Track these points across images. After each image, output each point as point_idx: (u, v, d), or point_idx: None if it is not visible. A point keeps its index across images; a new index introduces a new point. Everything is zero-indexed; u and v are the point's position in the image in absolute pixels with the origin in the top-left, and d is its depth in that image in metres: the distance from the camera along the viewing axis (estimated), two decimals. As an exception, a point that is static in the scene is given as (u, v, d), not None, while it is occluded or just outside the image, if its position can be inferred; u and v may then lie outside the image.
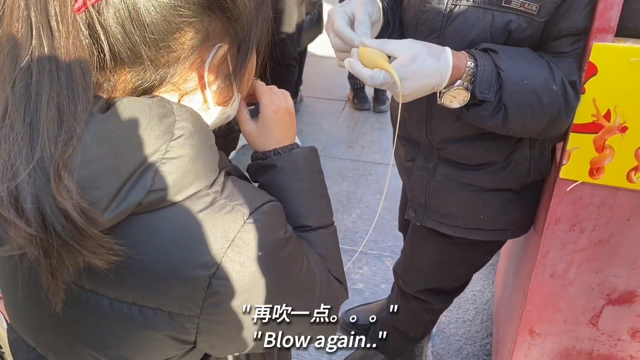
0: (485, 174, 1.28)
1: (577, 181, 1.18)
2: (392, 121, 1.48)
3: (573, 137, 1.12)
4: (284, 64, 3.19)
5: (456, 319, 2.21)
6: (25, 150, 0.48)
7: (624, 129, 1.09)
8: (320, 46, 3.49)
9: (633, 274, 1.26)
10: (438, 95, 1.04)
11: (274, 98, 0.80)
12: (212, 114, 0.68)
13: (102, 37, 0.53)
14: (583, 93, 1.07)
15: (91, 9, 0.51)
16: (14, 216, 0.48)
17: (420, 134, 1.29)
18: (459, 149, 1.27)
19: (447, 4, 1.07)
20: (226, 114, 0.71)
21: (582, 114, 1.09)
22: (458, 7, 1.07)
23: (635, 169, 1.12)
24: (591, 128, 1.10)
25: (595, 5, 1.01)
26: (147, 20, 0.53)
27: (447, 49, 1.00)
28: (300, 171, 0.77)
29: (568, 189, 1.18)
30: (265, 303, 0.63)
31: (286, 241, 0.64)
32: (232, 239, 0.58)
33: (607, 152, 1.12)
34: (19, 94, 0.49)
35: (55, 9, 0.49)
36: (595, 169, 1.15)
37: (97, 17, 0.52)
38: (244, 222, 0.59)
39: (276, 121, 0.79)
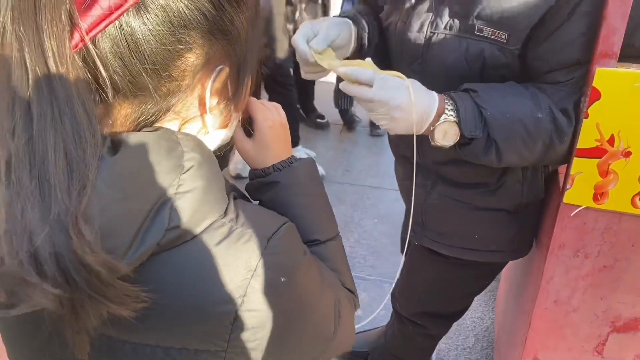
0: (478, 194, 1.30)
1: (581, 206, 1.17)
2: (390, 145, 1.48)
3: (577, 162, 1.12)
4: (280, 83, 3.22)
5: (456, 346, 2.17)
6: (38, 207, 0.46)
7: (627, 154, 1.09)
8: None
9: (638, 301, 1.25)
10: (430, 137, 1.08)
11: (267, 113, 0.79)
12: (213, 138, 0.67)
13: (102, 72, 0.50)
14: (586, 118, 1.07)
15: (89, 44, 0.49)
16: (37, 280, 0.45)
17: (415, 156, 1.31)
18: (452, 170, 1.30)
19: (426, 32, 1.14)
20: (226, 136, 0.70)
21: (586, 139, 1.09)
22: (436, 35, 1.13)
23: (640, 194, 1.11)
24: (595, 153, 1.10)
25: (592, 36, 1.02)
26: (146, 50, 0.51)
27: (434, 92, 1.07)
28: (303, 185, 0.76)
29: (572, 214, 1.18)
30: (291, 328, 0.61)
31: (305, 263, 0.63)
32: (254, 269, 0.56)
33: (611, 177, 1.12)
34: (22, 145, 0.46)
35: (52, 49, 0.46)
36: (599, 194, 1.14)
37: (95, 52, 0.49)
38: (264, 249, 0.57)
39: (273, 137, 0.78)
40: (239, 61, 0.62)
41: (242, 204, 0.63)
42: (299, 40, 1.11)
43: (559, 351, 1.36)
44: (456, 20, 1.10)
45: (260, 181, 0.77)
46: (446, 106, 1.05)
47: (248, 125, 0.80)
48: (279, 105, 0.82)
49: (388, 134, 1.49)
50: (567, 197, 1.17)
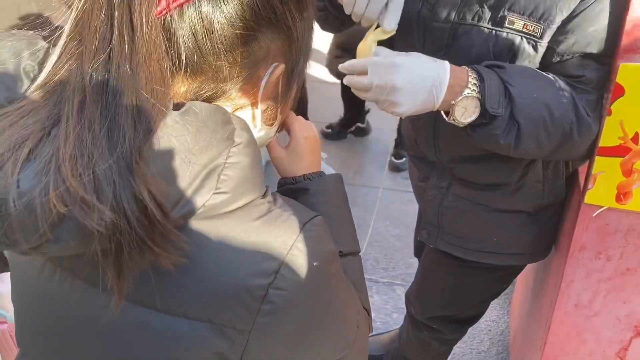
0: (497, 195, 1.26)
1: (603, 207, 1.13)
2: (404, 143, 1.45)
3: (599, 161, 1.08)
4: None
5: (470, 350, 2.13)
6: (105, 141, 0.49)
7: (652, 153, 1.05)
8: (327, 73, 3.49)
9: (663, 305, 1.21)
10: (448, 113, 1.02)
11: (304, 125, 0.83)
12: (258, 134, 0.68)
13: (176, 43, 0.54)
14: (609, 115, 1.03)
15: (173, 13, 0.52)
16: (96, 200, 0.47)
17: (430, 153, 1.29)
18: (469, 168, 1.25)
19: (452, 22, 1.09)
20: (268, 136, 0.72)
21: (609, 137, 1.05)
22: (463, 26, 1.08)
23: (665, 194, 1.07)
24: (618, 151, 1.06)
25: (608, 34, 0.99)
26: (218, 30, 0.54)
27: (445, 61, 1.01)
28: (331, 195, 0.79)
29: (594, 215, 1.14)
30: (317, 319, 0.62)
31: (335, 256, 0.64)
32: (290, 247, 0.57)
33: (635, 176, 1.08)
34: (98, 87, 0.50)
35: (140, 9, 0.50)
36: (622, 194, 1.10)
37: (177, 22, 0.53)
38: (300, 231, 0.59)
39: (307, 147, 0.81)
40: (293, 63, 0.65)
41: (277, 194, 0.65)
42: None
43: (580, 356, 1.32)
44: (486, 11, 1.05)
45: (290, 187, 0.79)
46: (469, 79, 0.99)
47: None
48: (312, 124, 0.85)
49: (402, 133, 1.46)
50: (589, 198, 1.13)
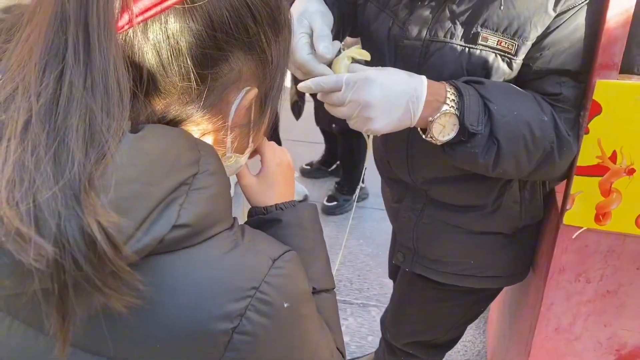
0: (474, 217, 1.21)
1: (582, 227, 1.10)
2: (376, 164, 1.40)
3: (577, 180, 1.05)
4: None
5: (447, 372, 2.08)
6: (51, 165, 0.44)
7: (631, 172, 1.02)
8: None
9: (644, 327, 1.17)
10: (425, 131, 0.97)
11: (277, 152, 0.79)
12: (227, 161, 0.65)
13: (139, 61, 0.50)
14: (587, 133, 1.00)
15: (136, 28, 0.49)
16: (35, 232, 0.42)
17: (403, 174, 1.25)
18: (444, 190, 1.21)
19: (424, 39, 1.04)
20: (238, 164, 0.69)
21: (587, 156, 1.02)
22: (435, 43, 1.03)
23: (645, 213, 1.04)
24: (596, 170, 1.03)
25: (585, 49, 0.96)
26: (184, 49, 0.51)
27: (423, 76, 0.95)
28: (305, 228, 0.75)
29: (573, 237, 1.10)
30: None
31: (308, 296, 0.60)
32: (258, 287, 0.52)
33: (613, 196, 1.05)
34: (46, 107, 0.45)
35: (99, 22, 0.46)
36: (601, 215, 1.07)
37: (139, 39, 0.49)
38: (270, 268, 0.54)
39: (279, 175, 0.78)
40: (267, 88, 0.62)
41: (247, 226, 0.59)
42: (305, 59, 0.95)
43: (561, 382, 1.28)
44: (458, 28, 1.01)
45: (262, 218, 0.75)
46: (447, 95, 0.94)
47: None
48: (286, 150, 0.82)
49: (374, 154, 1.41)
50: (568, 218, 1.09)
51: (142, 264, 0.48)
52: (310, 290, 0.62)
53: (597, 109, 0.98)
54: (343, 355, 0.73)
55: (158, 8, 0.49)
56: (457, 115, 0.94)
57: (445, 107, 0.94)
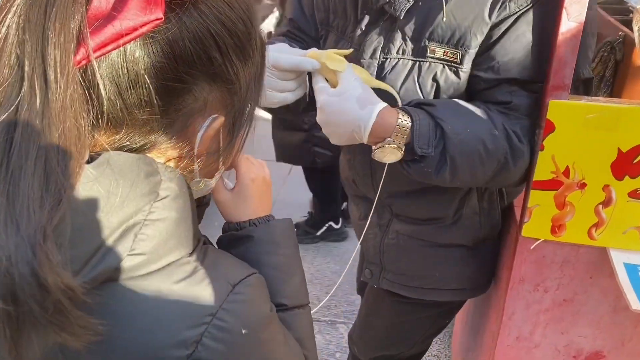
0: (436, 229, 1.26)
1: (539, 239, 1.16)
2: (342, 184, 1.45)
3: (534, 194, 1.11)
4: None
5: (414, 387, 2.10)
6: (3, 216, 0.43)
7: (583, 186, 1.09)
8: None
9: (598, 334, 1.24)
10: (372, 150, 1.05)
11: (251, 167, 0.78)
12: (195, 185, 0.64)
13: (97, 95, 0.49)
14: (542, 150, 1.06)
15: (93, 63, 0.47)
16: None
17: (368, 190, 1.29)
18: (407, 203, 1.26)
19: (379, 58, 1.11)
20: (208, 187, 0.68)
21: (542, 171, 1.08)
22: (389, 60, 1.10)
23: (596, 225, 1.11)
24: (551, 185, 1.10)
25: (532, 58, 1.03)
26: (144, 82, 0.50)
27: (380, 105, 1.01)
28: (277, 244, 0.73)
29: (531, 247, 1.16)
30: None
31: (270, 320, 0.59)
32: (215, 314, 0.52)
33: (567, 208, 1.11)
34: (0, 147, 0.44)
35: (55, 59, 0.45)
36: (557, 226, 1.13)
37: (97, 72, 0.48)
38: (229, 294, 0.54)
39: (253, 190, 0.76)
40: (236, 114, 0.61)
41: (212, 248, 0.59)
42: (284, 57, 1.05)
43: (523, 389, 1.33)
44: (408, 43, 1.08)
45: (233, 234, 0.74)
46: (396, 127, 1.00)
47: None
48: (264, 163, 0.81)
49: (341, 172, 1.46)
50: (526, 230, 1.15)
51: (98, 291, 0.48)
52: (272, 314, 0.60)
53: (551, 127, 1.05)
54: None
55: (116, 43, 0.48)
56: (399, 147, 1.01)
57: (388, 140, 1.01)
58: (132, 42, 0.49)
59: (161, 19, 0.49)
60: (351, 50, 1.08)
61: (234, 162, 0.77)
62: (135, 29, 0.48)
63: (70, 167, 0.46)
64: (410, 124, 1.01)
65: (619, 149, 1.04)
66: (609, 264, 1.11)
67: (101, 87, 0.49)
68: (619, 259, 1.10)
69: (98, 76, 0.48)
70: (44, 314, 0.44)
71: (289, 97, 1.09)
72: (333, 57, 1.03)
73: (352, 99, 1.00)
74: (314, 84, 1.02)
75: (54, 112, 0.45)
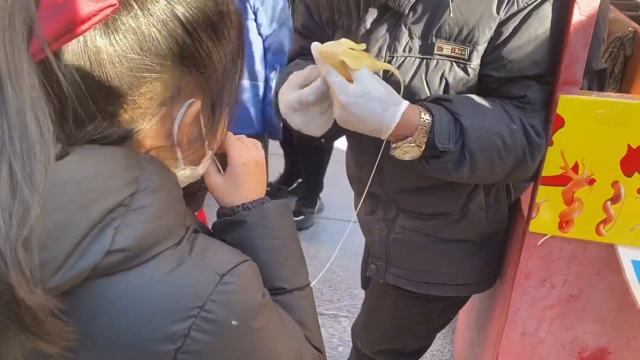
0: (443, 224, 1.26)
1: (546, 235, 1.15)
2: (349, 181, 1.44)
3: (542, 190, 1.11)
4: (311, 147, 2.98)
5: (417, 381, 2.11)
6: None
7: (591, 182, 1.08)
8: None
9: (604, 330, 1.23)
10: (391, 147, 1.03)
11: (242, 149, 0.74)
12: (181, 172, 0.62)
13: (59, 90, 0.46)
14: (551, 145, 1.06)
15: (50, 56, 0.45)
16: None
17: (375, 187, 1.28)
18: (414, 199, 1.25)
19: (385, 57, 1.10)
20: (196, 173, 0.65)
21: (551, 166, 1.08)
22: (395, 58, 1.09)
23: (604, 221, 1.11)
24: (560, 180, 1.09)
25: (551, 48, 1.01)
26: (110, 72, 0.48)
27: (403, 106, 0.98)
28: (272, 227, 0.71)
29: (539, 243, 1.16)
30: None
31: (262, 308, 0.57)
32: (202, 306, 0.50)
33: (576, 204, 1.11)
34: None
35: (7, 56, 0.42)
36: (564, 222, 1.13)
37: (56, 66, 0.45)
38: (217, 285, 0.52)
39: (245, 174, 0.73)
40: (214, 97, 0.58)
41: (202, 237, 0.57)
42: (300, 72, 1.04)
43: (527, 385, 1.33)
44: (415, 41, 1.07)
45: (227, 220, 0.71)
46: (419, 127, 0.98)
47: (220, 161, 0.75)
48: (258, 143, 0.78)
49: (347, 170, 1.45)
50: (533, 226, 1.15)
51: (78, 290, 0.47)
52: (265, 300, 0.58)
53: (561, 122, 1.04)
54: (322, 352, 0.72)
55: (72, 34, 0.46)
56: (419, 145, 1.00)
57: (409, 139, 0.99)
58: (90, 31, 0.46)
59: (115, 5, 0.47)
60: (364, 45, 1.06)
61: (224, 145, 0.74)
62: (89, 18, 0.46)
63: (36, 169, 0.43)
64: (430, 121, 0.99)
65: (628, 145, 1.04)
66: (617, 261, 1.11)
67: (62, 80, 0.46)
68: (626, 256, 1.10)
69: (57, 69, 0.46)
70: (19, 324, 0.43)
71: (325, 124, 1.07)
72: (351, 55, 0.97)
73: (375, 100, 0.96)
74: (327, 76, 0.99)
75: (13, 114, 0.42)
